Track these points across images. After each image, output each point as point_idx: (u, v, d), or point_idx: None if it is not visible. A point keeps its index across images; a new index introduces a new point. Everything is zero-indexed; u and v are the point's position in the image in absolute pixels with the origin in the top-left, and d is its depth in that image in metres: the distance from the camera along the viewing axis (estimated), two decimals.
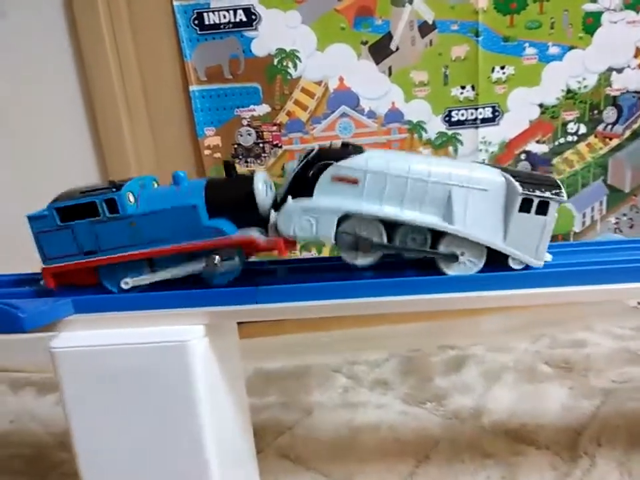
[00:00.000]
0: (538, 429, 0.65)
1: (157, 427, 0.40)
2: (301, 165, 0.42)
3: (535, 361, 0.79)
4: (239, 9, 0.88)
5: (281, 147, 0.95)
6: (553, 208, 0.42)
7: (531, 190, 0.41)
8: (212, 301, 0.41)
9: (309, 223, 0.41)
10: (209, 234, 0.41)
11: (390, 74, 0.93)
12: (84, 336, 0.40)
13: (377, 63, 0.93)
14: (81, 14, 0.84)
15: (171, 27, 0.88)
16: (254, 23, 0.89)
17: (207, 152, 0.94)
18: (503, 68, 0.94)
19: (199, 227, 0.41)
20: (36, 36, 0.86)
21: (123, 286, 0.43)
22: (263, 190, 0.43)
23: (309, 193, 0.42)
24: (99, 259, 0.43)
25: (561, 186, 0.43)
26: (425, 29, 0.92)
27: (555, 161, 0.99)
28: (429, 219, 0.42)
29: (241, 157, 0.96)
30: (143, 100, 0.90)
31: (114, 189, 0.42)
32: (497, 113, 0.96)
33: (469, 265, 0.43)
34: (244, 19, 0.89)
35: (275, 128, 0.94)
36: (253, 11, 0.88)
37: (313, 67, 0.92)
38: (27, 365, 0.87)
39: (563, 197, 0.42)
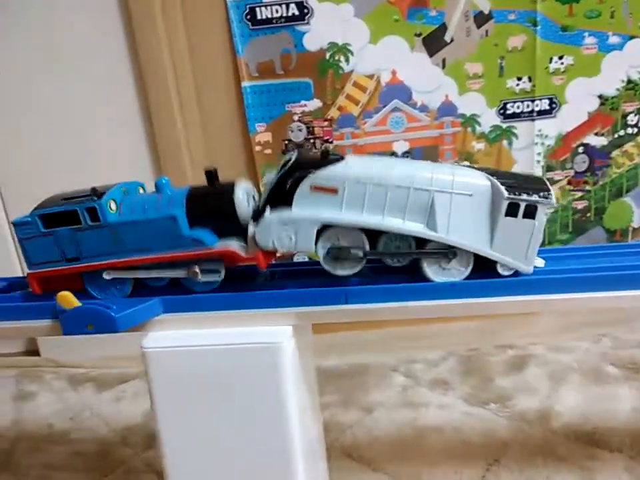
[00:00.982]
0: (610, 432, 0.63)
1: (245, 428, 0.39)
2: (279, 174, 0.41)
3: (600, 362, 0.77)
4: (292, 2, 0.87)
5: (331, 142, 0.94)
6: (541, 211, 0.40)
7: (517, 193, 0.40)
8: (300, 302, 0.40)
9: (288, 234, 0.40)
10: (189, 244, 0.41)
11: (444, 66, 0.91)
12: (174, 336, 0.40)
13: (431, 55, 0.90)
14: (136, 10, 0.84)
15: (224, 22, 0.88)
16: (306, 17, 0.88)
17: (257, 148, 0.94)
18: (561, 58, 0.91)
19: (179, 236, 0.41)
20: (90, 32, 0.87)
21: (105, 276, 0.43)
22: (244, 199, 0.42)
23: (287, 203, 0.41)
24: (81, 265, 0.43)
25: (550, 188, 0.41)
26: (480, 19, 0.89)
27: (614, 153, 0.96)
28: (412, 226, 0.40)
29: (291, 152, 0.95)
30: (195, 96, 0.90)
31: (95, 197, 0.42)
32: (554, 105, 0.93)
33: (455, 271, 0.42)
34: (296, 13, 0.88)
35: (325, 123, 0.93)
36: (305, 4, 0.87)
37: (365, 60, 0.90)
38: (85, 360, 0.88)
39: (551, 199, 0.40)
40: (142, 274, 0.43)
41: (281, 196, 0.41)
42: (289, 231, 0.40)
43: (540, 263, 0.44)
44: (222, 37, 0.88)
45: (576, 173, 0.97)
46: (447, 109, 0.93)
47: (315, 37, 0.89)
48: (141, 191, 0.47)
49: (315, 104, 0.92)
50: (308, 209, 0.40)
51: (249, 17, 0.88)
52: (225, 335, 0.39)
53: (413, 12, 0.88)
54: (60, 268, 0.43)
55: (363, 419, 0.69)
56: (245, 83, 0.91)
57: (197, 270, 0.42)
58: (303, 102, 0.92)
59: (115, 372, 0.85)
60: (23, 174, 0.91)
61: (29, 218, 0.43)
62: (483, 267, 0.42)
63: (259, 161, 0.94)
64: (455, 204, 0.40)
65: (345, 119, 0.93)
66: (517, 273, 0.42)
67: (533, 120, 0.93)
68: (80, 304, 0.39)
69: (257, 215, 0.41)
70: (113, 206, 0.42)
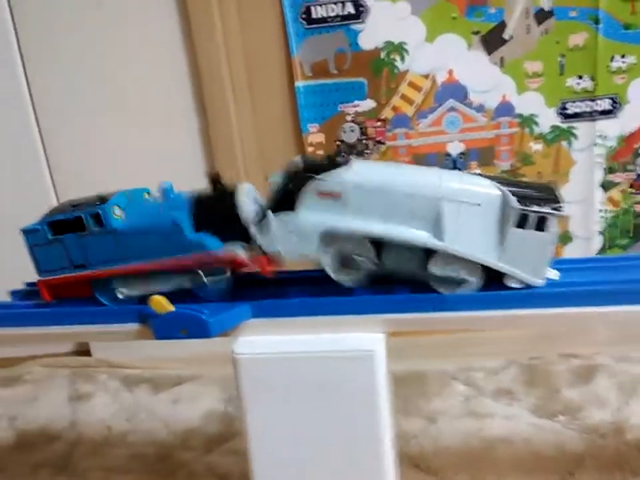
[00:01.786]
0: None
1: (336, 437, 0.38)
2: (284, 179, 0.41)
3: None
4: (348, 1, 0.86)
5: (384, 143, 0.92)
6: (552, 223, 0.38)
7: (528, 204, 0.38)
8: (393, 308, 0.39)
9: (290, 239, 0.40)
10: (193, 249, 0.41)
11: (502, 65, 0.88)
12: (264, 342, 0.39)
13: (489, 53, 0.88)
14: (194, 11, 0.83)
15: (279, 21, 0.87)
16: (362, 16, 0.86)
17: (310, 149, 0.93)
18: (623, 56, 0.88)
19: (183, 242, 0.41)
20: (146, 28, 0.87)
21: (119, 295, 0.44)
22: (247, 203, 0.41)
23: (291, 207, 0.40)
24: (88, 272, 0.43)
25: (561, 199, 0.39)
26: (541, 16, 0.87)
27: None
28: (418, 235, 0.39)
29: (343, 154, 0.93)
30: (248, 96, 0.89)
31: (99, 203, 0.42)
32: (615, 105, 0.90)
33: (464, 284, 0.40)
34: (352, 12, 0.86)
35: (379, 124, 0.92)
36: (361, 3, 0.86)
37: (421, 59, 0.88)
38: (137, 361, 0.88)
39: (562, 211, 0.38)
40: (150, 289, 0.43)
41: (285, 200, 0.40)
42: (292, 235, 0.40)
43: (554, 274, 0.42)
44: (277, 36, 0.88)
45: (638, 175, 0.93)
46: (504, 108, 0.90)
47: (370, 35, 0.87)
48: (147, 196, 0.47)
49: (368, 104, 0.91)
50: (311, 213, 0.39)
51: (304, 15, 0.87)
52: (317, 341, 0.38)
53: (471, 9, 0.86)
54: (68, 275, 0.44)
55: (427, 428, 0.67)
56: (299, 83, 0.90)
57: (202, 275, 0.42)
58: (356, 102, 0.91)
59: (169, 373, 0.84)
60: (75, 163, 0.92)
61: (37, 226, 0.43)
62: (497, 280, 0.40)
63: None
64: (463, 213, 0.39)
65: (398, 120, 0.91)
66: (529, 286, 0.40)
67: (594, 120, 0.90)
68: (173, 309, 0.38)
69: (261, 218, 0.41)
70: (118, 211, 0.42)
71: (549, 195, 0.39)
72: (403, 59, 0.88)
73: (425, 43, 0.88)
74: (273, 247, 0.40)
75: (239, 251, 0.41)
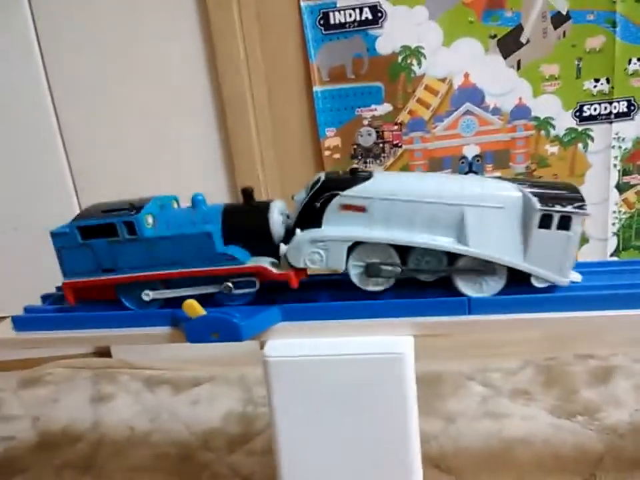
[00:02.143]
0: None
1: (365, 438, 0.39)
2: (309, 195, 0.42)
3: None
4: (366, 6, 0.87)
5: (401, 146, 0.93)
6: (576, 222, 0.39)
7: (551, 205, 0.38)
8: (421, 311, 0.40)
9: (319, 254, 0.41)
10: (223, 260, 0.42)
11: (518, 68, 0.89)
12: (294, 345, 0.39)
13: (506, 56, 0.89)
14: (214, 16, 0.85)
15: (298, 27, 0.88)
16: (380, 21, 0.87)
17: (327, 153, 0.94)
18: None
19: (213, 253, 0.42)
20: (169, 35, 0.88)
21: (145, 298, 0.44)
22: (278, 219, 0.43)
23: (317, 223, 0.41)
24: (117, 277, 0.44)
25: (583, 197, 0.40)
26: (558, 19, 0.87)
27: None
28: (442, 241, 0.40)
29: (360, 157, 0.94)
30: (267, 101, 0.90)
31: (133, 212, 0.43)
32: (632, 107, 0.90)
33: (489, 285, 0.41)
34: (370, 17, 0.87)
35: (395, 127, 0.92)
36: (379, 8, 0.87)
37: (438, 63, 0.89)
38: (157, 362, 0.89)
39: (585, 209, 0.39)
40: (177, 293, 0.44)
41: (311, 216, 0.41)
42: (320, 250, 0.41)
43: (577, 277, 0.43)
44: (295, 42, 0.89)
45: None
46: (521, 111, 0.91)
47: (388, 40, 0.88)
48: (175, 205, 0.48)
49: (385, 108, 0.91)
50: (338, 227, 0.41)
51: (322, 21, 0.88)
52: (347, 344, 0.39)
53: (488, 13, 0.87)
54: (96, 279, 0.44)
55: (445, 428, 0.68)
56: (317, 88, 0.91)
57: (231, 285, 0.42)
58: (373, 106, 0.92)
59: (188, 375, 0.85)
60: (98, 169, 0.93)
61: (67, 229, 0.44)
62: (520, 280, 0.41)
63: (328, 165, 0.94)
64: (486, 217, 0.39)
65: (415, 123, 0.92)
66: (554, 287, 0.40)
67: (611, 122, 0.91)
68: (205, 312, 0.39)
69: (289, 235, 0.42)
70: (150, 220, 0.44)
71: (571, 194, 0.40)
72: (419, 63, 0.89)
73: (442, 47, 0.88)
74: (302, 263, 0.41)
75: (268, 265, 0.42)
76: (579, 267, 0.45)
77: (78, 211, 0.47)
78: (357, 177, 0.41)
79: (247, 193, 0.43)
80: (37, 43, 0.89)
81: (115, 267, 0.44)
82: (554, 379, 0.75)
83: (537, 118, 0.91)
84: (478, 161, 0.93)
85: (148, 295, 0.44)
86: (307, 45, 0.89)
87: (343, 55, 0.89)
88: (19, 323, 0.45)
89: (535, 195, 0.39)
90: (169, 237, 0.43)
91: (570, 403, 0.70)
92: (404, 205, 0.40)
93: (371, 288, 0.42)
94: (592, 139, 0.92)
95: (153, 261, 0.43)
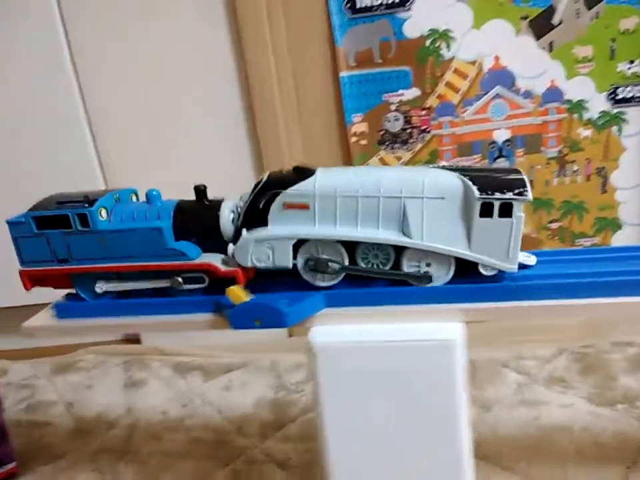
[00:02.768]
0: None
1: (413, 426, 0.38)
2: (252, 195, 0.42)
3: None
4: None
5: (429, 131, 0.92)
6: (517, 208, 0.38)
7: (490, 192, 0.38)
8: (471, 297, 0.39)
9: (265, 253, 0.41)
10: (173, 256, 0.43)
11: (551, 50, 0.87)
12: (340, 331, 0.39)
13: (537, 38, 0.87)
14: (241, 2, 0.84)
15: (324, 12, 0.87)
16: (407, 4, 0.86)
17: (353, 139, 0.93)
18: None
19: (164, 248, 0.43)
20: (195, 22, 0.88)
21: (98, 290, 0.46)
22: (229, 218, 0.43)
23: (263, 222, 0.42)
24: (70, 267, 0.45)
25: (526, 183, 0.39)
26: (591, 0, 0.85)
27: None
28: (386, 234, 0.40)
29: (387, 143, 0.93)
30: (293, 87, 0.90)
31: (87, 204, 0.43)
32: None
33: (436, 277, 0.41)
34: (397, 0, 0.86)
35: (423, 112, 0.91)
36: None
37: (468, 46, 0.87)
38: (187, 349, 0.90)
39: (527, 195, 0.38)
40: (129, 285, 0.45)
41: (255, 216, 0.42)
42: (266, 249, 0.41)
43: (532, 260, 0.43)
44: (321, 27, 0.87)
45: None
46: (553, 94, 0.89)
47: (416, 23, 0.87)
48: (134, 198, 0.49)
49: (413, 93, 0.90)
50: (283, 226, 0.41)
51: (348, 5, 0.86)
52: (394, 330, 0.38)
53: None
54: (50, 268, 0.46)
55: (482, 416, 0.67)
56: (343, 73, 0.89)
57: (180, 280, 0.44)
58: (400, 91, 0.90)
59: (219, 361, 0.86)
60: (126, 156, 0.94)
61: (22, 218, 0.45)
62: (469, 270, 0.41)
63: (354, 151, 0.93)
64: (428, 208, 0.40)
65: (443, 108, 0.90)
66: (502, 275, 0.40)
67: None
68: (249, 299, 0.39)
69: (236, 235, 0.43)
70: (104, 213, 0.44)
71: (513, 180, 0.39)
72: (448, 46, 0.87)
73: (472, 29, 0.87)
74: (250, 263, 0.42)
75: (216, 262, 0.43)
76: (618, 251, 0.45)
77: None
78: (299, 175, 0.42)
79: (200, 191, 0.44)
80: (67, 46, 0.89)
81: (69, 258, 0.45)
82: (591, 366, 0.74)
83: (569, 101, 0.89)
84: (508, 145, 0.91)
85: (100, 288, 0.46)
86: (333, 29, 0.88)
87: (369, 39, 0.88)
88: (62, 310, 0.46)
89: (475, 183, 0.39)
90: (121, 230, 0.44)
91: (609, 390, 0.69)
92: (345, 200, 0.40)
93: (319, 283, 0.42)
94: (626, 122, 0.89)
95: (106, 253, 0.44)
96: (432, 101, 0.90)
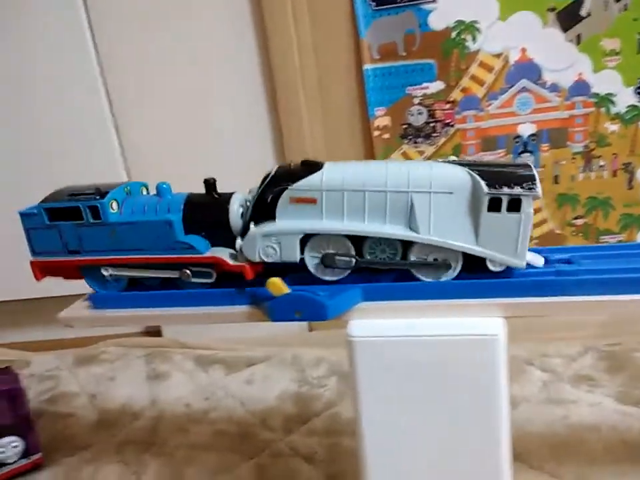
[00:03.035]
0: None
1: (452, 422, 0.38)
2: (260, 189, 0.42)
3: None
4: None
5: (453, 125, 0.91)
6: (526, 203, 0.38)
7: (499, 187, 0.38)
8: (512, 292, 0.38)
9: (272, 247, 0.41)
10: (182, 249, 0.43)
11: (578, 42, 0.85)
12: (379, 325, 0.39)
13: (565, 30, 0.85)
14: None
15: (348, 4, 0.86)
16: None
17: (376, 133, 0.92)
18: None
19: (174, 241, 0.43)
20: (220, 15, 0.87)
21: (104, 272, 0.46)
22: (238, 212, 0.43)
23: (271, 216, 0.42)
24: (81, 259, 0.45)
25: (536, 177, 0.38)
26: None
27: None
28: (393, 229, 0.40)
29: (410, 137, 0.92)
30: (316, 80, 0.89)
31: (98, 197, 0.44)
32: None
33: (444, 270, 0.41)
34: None
35: (448, 106, 0.90)
36: None
37: (494, 38, 0.86)
38: (208, 342, 0.90)
39: (536, 190, 0.38)
40: (137, 273, 0.45)
41: (263, 210, 0.42)
42: (273, 243, 0.41)
43: (539, 260, 0.42)
44: (345, 19, 0.87)
45: None
46: (580, 88, 0.87)
47: (441, 15, 0.86)
48: (144, 191, 0.49)
49: (437, 86, 0.89)
50: (290, 220, 0.41)
51: None
52: (435, 325, 0.38)
53: None
54: (61, 259, 0.46)
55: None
56: (367, 66, 0.89)
57: (189, 272, 0.44)
58: (424, 84, 0.89)
59: (240, 354, 0.86)
60: (150, 151, 0.94)
61: (35, 210, 0.45)
62: (476, 265, 0.40)
63: (377, 145, 0.92)
64: (435, 203, 0.39)
65: (468, 101, 0.89)
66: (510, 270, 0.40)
67: None
68: (289, 291, 0.38)
69: (245, 229, 0.43)
70: (115, 206, 0.45)
71: (522, 175, 0.39)
72: (474, 38, 0.86)
73: (498, 21, 0.85)
74: (257, 257, 0.42)
75: (224, 256, 0.43)
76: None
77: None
78: (307, 169, 0.41)
79: (209, 184, 0.44)
80: (91, 40, 0.89)
81: (80, 249, 0.45)
82: (618, 365, 0.73)
83: (596, 94, 0.87)
84: (533, 140, 0.90)
85: (107, 270, 0.46)
86: (357, 21, 0.87)
87: (394, 32, 0.87)
88: (97, 301, 0.46)
89: (484, 178, 0.38)
90: (132, 222, 0.44)
91: (636, 389, 0.68)
92: (352, 194, 0.40)
93: (328, 277, 0.42)
94: None
95: (116, 245, 0.44)
96: (456, 95, 0.89)
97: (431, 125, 0.91)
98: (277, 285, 0.38)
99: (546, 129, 0.89)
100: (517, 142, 0.90)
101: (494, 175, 0.38)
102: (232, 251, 0.44)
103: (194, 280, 0.44)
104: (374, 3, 0.86)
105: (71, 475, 0.66)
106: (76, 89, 0.90)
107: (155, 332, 0.97)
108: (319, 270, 0.42)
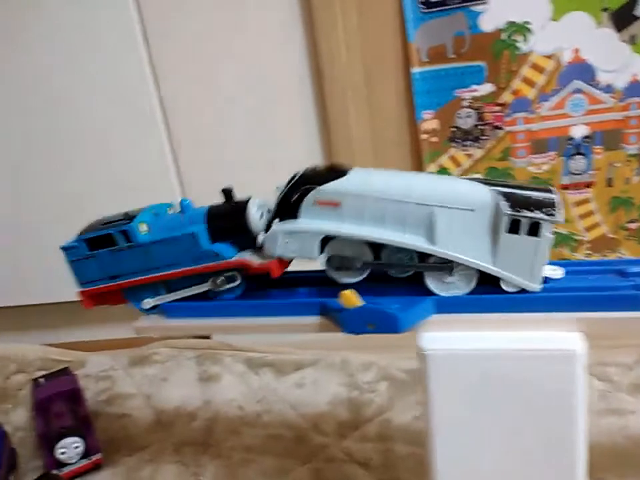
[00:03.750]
0: None
1: (526, 438, 0.37)
2: (287, 188, 0.43)
3: None
4: None
5: (502, 128, 0.90)
6: (545, 228, 0.38)
7: (519, 210, 0.38)
8: (590, 306, 0.38)
9: (293, 245, 0.42)
10: (209, 258, 0.45)
11: (633, 42, 0.83)
12: (452, 337, 0.39)
13: (619, 30, 0.83)
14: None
15: (397, 6, 0.86)
16: None
17: (423, 136, 0.91)
18: None
19: (200, 251, 0.45)
20: (269, 19, 0.88)
21: (145, 306, 0.49)
22: (256, 215, 0.45)
23: (294, 215, 0.43)
24: (121, 282, 0.48)
25: (556, 203, 0.38)
26: None
27: None
28: (412, 240, 0.40)
29: (458, 140, 0.92)
30: (363, 83, 0.89)
31: (127, 221, 0.47)
32: None
33: (458, 286, 0.41)
34: None
35: (497, 108, 0.89)
36: None
37: (546, 39, 0.85)
38: (257, 345, 0.91)
39: (556, 216, 0.37)
40: (172, 296, 0.48)
41: (288, 208, 0.43)
42: (294, 241, 0.42)
43: (558, 273, 0.42)
44: (394, 22, 0.86)
45: None
46: (635, 89, 0.85)
47: (492, 16, 0.85)
48: (170, 211, 0.51)
49: (486, 88, 0.88)
50: (312, 221, 0.42)
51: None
52: (510, 338, 0.38)
53: None
54: (104, 285, 0.49)
55: None
56: (415, 69, 0.88)
57: (219, 281, 0.46)
58: (473, 87, 0.88)
59: (289, 358, 0.86)
60: (201, 157, 0.96)
61: (75, 243, 0.48)
62: (491, 282, 0.41)
63: (424, 149, 0.92)
64: (456, 219, 0.39)
65: (519, 103, 0.88)
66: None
67: None
68: (362, 303, 0.39)
69: (268, 226, 0.44)
70: (144, 227, 0.47)
71: (544, 199, 0.39)
72: (525, 39, 0.85)
73: (551, 21, 0.84)
74: (276, 250, 0.43)
75: (249, 258, 0.44)
76: None
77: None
78: (333, 173, 0.42)
79: (227, 193, 0.47)
80: (143, 37, 0.91)
81: (119, 273, 0.48)
82: None
83: None
84: (586, 142, 0.88)
85: (148, 303, 0.49)
86: (406, 24, 0.86)
87: (443, 34, 0.86)
88: (171, 310, 0.47)
89: (506, 198, 0.39)
90: (160, 240, 0.46)
91: None
92: (375, 202, 0.41)
93: (343, 280, 0.43)
94: None
95: (150, 264, 0.47)
96: (506, 97, 0.88)
97: (480, 127, 0.90)
98: (350, 297, 0.39)
99: (599, 130, 0.87)
100: (569, 144, 0.89)
101: (516, 197, 0.39)
102: (255, 251, 0.45)
103: (228, 286, 0.46)
104: (423, 6, 0.85)
105: (131, 475, 0.67)
106: (128, 92, 0.93)
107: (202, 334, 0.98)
108: (333, 272, 0.44)
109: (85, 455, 0.68)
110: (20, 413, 0.82)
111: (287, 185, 0.44)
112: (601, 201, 0.90)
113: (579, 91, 0.86)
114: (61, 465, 0.67)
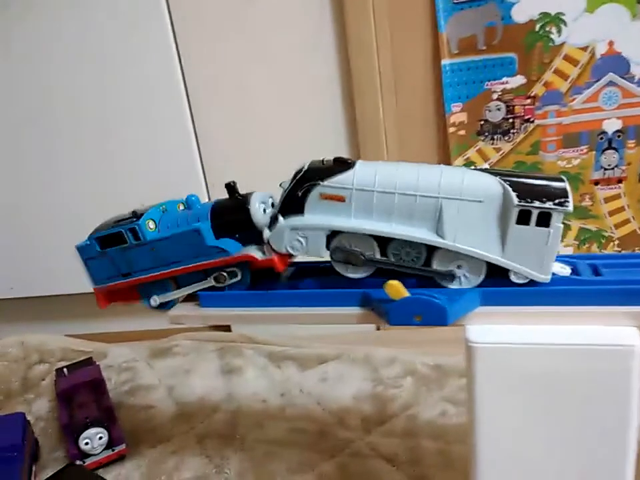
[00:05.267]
0: None
1: (575, 436, 0.36)
2: (292, 183, 0.42)
3: None
4: None
5: (533, 121, 0.88)
6: (556, 219, 0.37)
7: (529, 200, 0.37)
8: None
9: (299, 241, 0.42)
10: (214, 253, 0.45)
11: None
12: (499, 331, 0.37)
13: None
14: None
15: None
16: None
17: (451, 129, 0.90)
18: None
19: (205, 247, 0.45)
20: (300, 14, 0.87)
21: (152, 303, 0.49)
22: (259, 209, 0.44)
23: (299, 210, 0.42)
24: (131, 280, 0.48)
25: (568, 193, 0.37)
26: None
27: None
28: (420, 233, 0.40)
29: (486, 133, 0.90)
30: (392, 75, 0.88)
31: (135, 219, 0.47)
32: None
33: (466, 279, 0.40)
34: None
35: (528, 101, 0.87)
36: None
37: (580, 31, 0.83)
38: (277, 338, 0.90)
39: (567, 206, 0.36)
40: (179, 293, 0.48)
41: (293, 204, 0.42)
42: (300, 237, 0.42)
43: (566, 271, 0.41)
44: (425, 12, 0.85)
45: None
46: None
47: (525, 7, 0.83)
48: (181, 207, 0.51)
49: (517, 80, 0.86)
50: (318, 216, 0.42)
51: None
52: (561, 333, 0.36)
53: None
54: (117, 283, 0.49)
55: None
56: (445, 61, 0.87)
57: (224, 275, 0.46)
58: (504, 79, 0.87)
59: (311, 352, 0.86)
60: (228, 161, 0.95)
61: (88, 242, 0.49)
62: (499, 275, 0.40)
63: (452, 142, 0.90)
64: (464, 210, 0.39)
65: (550, 96, 0.86)
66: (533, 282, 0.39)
67: None
68: (408, 294, 0.38)
69: (273, 221, 0.43)
70: (152, 225, 0.47)
71: (555, 189, 0.37)
72: (559, 31, 0.83)
73: (585, 13, 0.82)
74: (284, 249, 0.43)
75: (253, 252, 0.44)
76: None
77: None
78: (338, 167, 0.41)
79: (230, 188, 0.46)
80: (172, 35, 0.91)
81: (130, 271, 0.49)
82: None
83: None
84: (619, 136, 0.86)
85: (155, 301, 0.49)
86: (437, 14, 0.85)
87: (474, 25, 0.85)
88: (206, 300, 0.46)
89: (515, 189, 0.37)
90: (167, 237, 0.46)
91: None
92: (382, 195, 0.40)
93: (350, 275, 0.43)
94: None
95: (158, 261, 0.47)
96: (538, 89, 0.86)
97: (510, 120, 0.89)
98: (397, 288, 0.38)
99: (633, 125, 0.85)
100: (601, 138, 0.87)
101: (526, 187, 0.38)
102: (259, 246, 0.45)
103: (231, 281, 0.46)
104: None
105: (155, 467, 0.67)
106: (157, 92, 0.92)
107: (224, 326, 0.98)
108: (340, 266, 0.43)
109: (109, 445, 0.67)
110: (42, 403, 0.81)
111: (293, 180, 0.43)
112: (632, 197, 0.88)
113: (612, 84, 0.84)
114: (85, 455, 0.67)
